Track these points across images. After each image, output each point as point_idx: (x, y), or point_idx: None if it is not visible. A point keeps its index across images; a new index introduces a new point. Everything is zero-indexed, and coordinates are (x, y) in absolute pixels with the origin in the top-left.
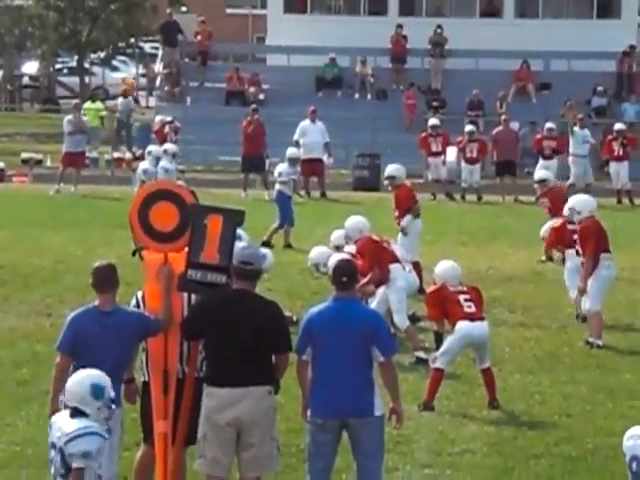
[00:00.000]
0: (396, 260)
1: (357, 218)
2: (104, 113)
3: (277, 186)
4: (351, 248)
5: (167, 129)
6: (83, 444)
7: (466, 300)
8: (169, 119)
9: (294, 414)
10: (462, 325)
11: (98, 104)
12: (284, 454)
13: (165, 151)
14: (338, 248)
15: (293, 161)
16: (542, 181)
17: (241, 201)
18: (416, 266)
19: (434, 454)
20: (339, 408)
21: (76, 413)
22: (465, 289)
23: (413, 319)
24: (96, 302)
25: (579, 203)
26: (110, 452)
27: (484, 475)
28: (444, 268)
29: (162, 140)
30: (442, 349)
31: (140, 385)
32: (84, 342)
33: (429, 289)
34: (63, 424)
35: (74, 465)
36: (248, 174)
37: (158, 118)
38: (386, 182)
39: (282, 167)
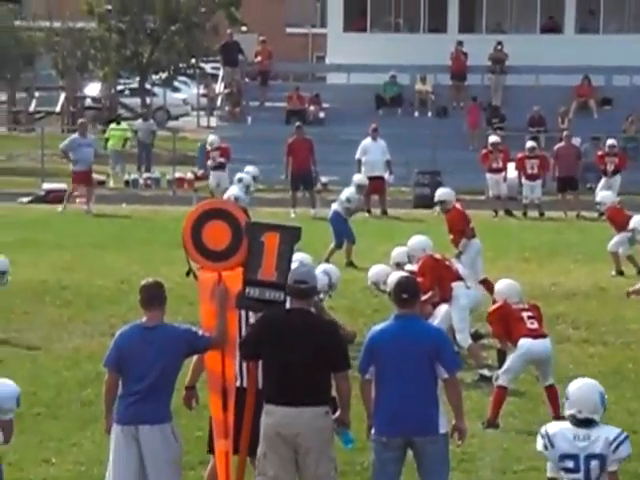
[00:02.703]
0: (459, 278)
1: (420, 237)
2: (129, 135)
3: (335, 206)
4: (412, 267)
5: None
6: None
7: (529, 317)
8: (216, 145)
9: (357, 433)
10: (524, 342)
11: (123, 126)
12: (348, 473)
13: (240, 180)
14: (399, 265)
15: (361, 188)
16: (597, 204)
17: (290, 220)
18: (485, 283)
19: (499, 472)
20: (404, 426)
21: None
22: (527, 306)
23: (476, 337)
24: (143, 319)
25: (637, 220)
26: (158, 465)
27: None
28: (504, 285)
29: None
30: (505, 367)
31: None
32: (128, 358)
33: (492, 307)
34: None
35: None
36: (296, 192)
37: (211, 139)
38: (437, 207)
39: (349, 192)
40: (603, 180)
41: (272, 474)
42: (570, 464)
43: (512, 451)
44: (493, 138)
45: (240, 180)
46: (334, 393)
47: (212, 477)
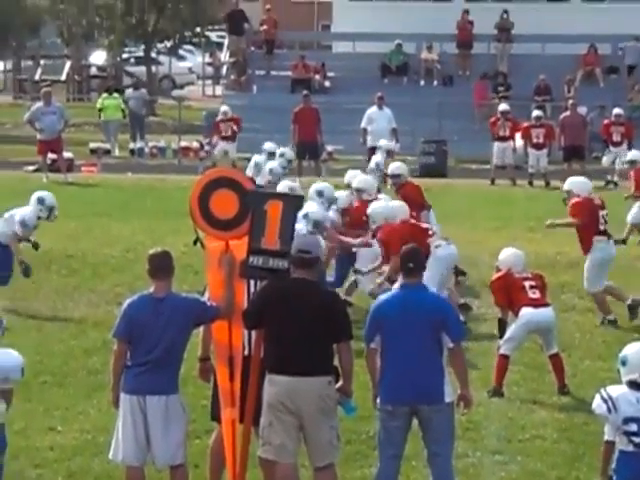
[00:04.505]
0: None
1: (381, 204)
2: (123, 105)
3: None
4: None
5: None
6: None
7: (531, 287)
8: (230, 115)
9: (363, 401)
10: (525, 311)
11: (115, 96)
12: (354, 441)
13: (282, 154)
14: (359, 191)
15: (389, 153)
16: (631, 162)
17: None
18: None
19: (504, 440)
20: (409, 395)
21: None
22: (530, 275)
23: (465, 308)
24: (151, 289)
25: (577, 185)
26: (164, 435)
27: (555, 461)
28: (508, 254)
29: (218, 132)
30: (507, 335)
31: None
32: (138, 328)
33: (494, 276)
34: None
35: None
36: (302, 161)
37: (224, 109)
38: (391, 181)
39: (378, 158)
40: (610, 149)
41: (278, 443)
42: (634, 427)
43: (517, 420)
44: (503, 106)
45: (282, 155)
46: (336, 363)
47: (218, 446)
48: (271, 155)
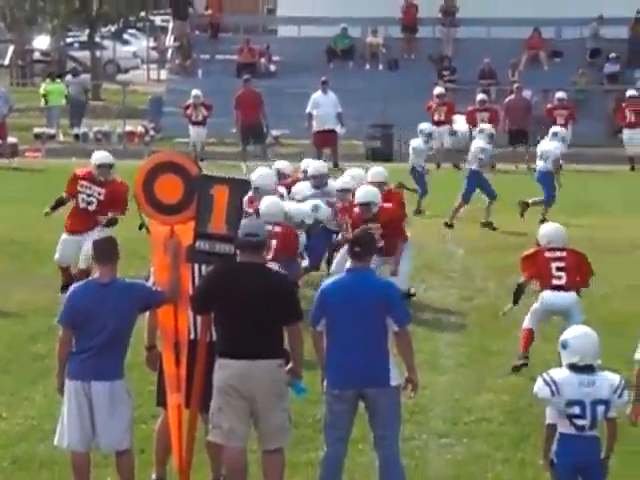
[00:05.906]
0: None
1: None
2: (66, 92)
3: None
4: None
5: (192, 107)
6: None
7: (558, 269)
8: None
9: (309, 385)
10: (544, 294)
11: (58, 81)
12: (300, 425)
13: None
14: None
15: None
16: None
17: (242, 174)
18: None
19: (450, 423)
20: (355, 379)
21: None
22: (564, 254)
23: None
24: (96, 275)
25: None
26: (109, 421)
27: (500, 443)
28: (549, 229)
29: (188, 117)
30: (529, 312)
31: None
32: (82, 314)
33: (525, 252)
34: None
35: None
36: (247, 145)
37: (195, 93)
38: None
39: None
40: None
41: (227, 427)
42: (577, 410)
43: (463, 402)
44: (438, 90)
45: (482, 131)
46: (286, 345)
47: (163, 431)
48: (428, 135)
